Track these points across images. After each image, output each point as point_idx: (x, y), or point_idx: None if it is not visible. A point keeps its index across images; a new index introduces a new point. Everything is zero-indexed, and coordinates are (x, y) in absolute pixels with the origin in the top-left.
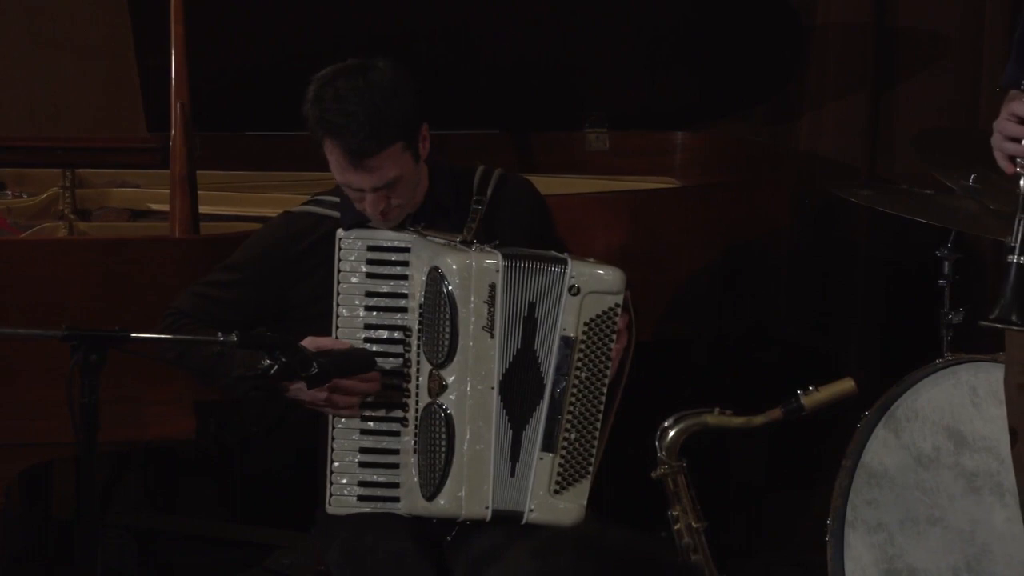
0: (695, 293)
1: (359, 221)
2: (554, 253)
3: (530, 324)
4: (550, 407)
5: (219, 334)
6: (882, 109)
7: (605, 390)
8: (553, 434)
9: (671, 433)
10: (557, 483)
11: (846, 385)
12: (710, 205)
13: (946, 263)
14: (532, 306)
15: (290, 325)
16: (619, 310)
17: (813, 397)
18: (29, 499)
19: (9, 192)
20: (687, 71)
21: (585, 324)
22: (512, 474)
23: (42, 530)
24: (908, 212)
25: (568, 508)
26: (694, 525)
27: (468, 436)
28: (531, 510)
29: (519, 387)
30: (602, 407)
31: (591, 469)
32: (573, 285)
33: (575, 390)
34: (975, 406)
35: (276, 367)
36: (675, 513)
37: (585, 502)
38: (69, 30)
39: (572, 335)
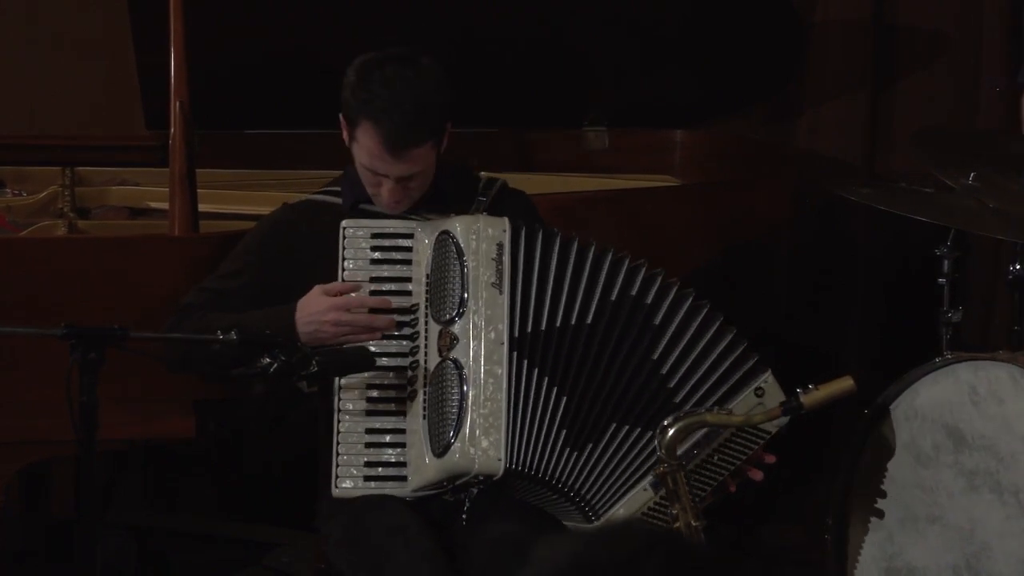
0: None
1: (360, 200)
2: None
3: (632, 321)
4: None
5: (219, 332)
6: (881, 107)
7: (714, 483)
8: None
9: (670, 431)
10: (644, 515)
11: (845, 384)
12: (709, 203)
13: (945, 261)
14: (634, 303)
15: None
16: (766, 439)
17: (812, 396)
18: (28, 497)
19: (8, 190)
20: (687, 69)
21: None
22: (578, 449)
23: (41, 528)
24: (907, 210)
25: None
26: (693, 524)
27: (480, 389)
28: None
29: (582, 363)
30: (704, 494)
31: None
32: (760, 388)
33: (705, 465)
34: (974, 405)
35: (275, 365)
36: (674, 511)
37: None
38: (68, 28)
39: (739, 415)
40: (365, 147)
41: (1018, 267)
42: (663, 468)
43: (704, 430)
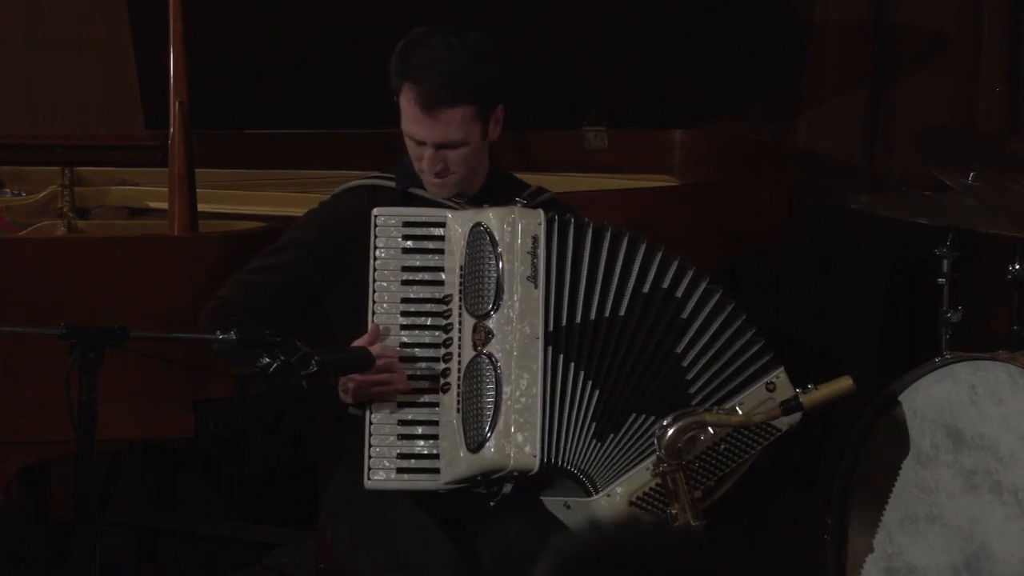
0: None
1: (413, 183)
2: (760, 356)
3: (662, 314)
4: None
5: (218, 332)
6: (881, 107)
7: (718, 475)
8: None
9: (670, 431)
10: (639, 498)
11: (845, 383)
12: (709, 203)
13: (945, 261)
14: (666, 296)
15: (338, 297)
16: (774, 436)
17: (812, 395)
18: (27, 497)
19: (8, 190)
20: (686, 69)
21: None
22: (601, 440)
23: (41, 528)
24: (907, 214)
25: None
26: (692, 524)
27: (515, 384)
28: (608, 496)
29: (615, 356)
30: (706, 483)
31: (662, 515)
32: (772, 383)
33: (710, 452)
34: (974, 404)
35: (275, 365)
36: (674, 511)
37: None
38: (68, 27)
39: (739, 414)
40: (404, 111)
41: (1018, 267)
42: (663, 468)
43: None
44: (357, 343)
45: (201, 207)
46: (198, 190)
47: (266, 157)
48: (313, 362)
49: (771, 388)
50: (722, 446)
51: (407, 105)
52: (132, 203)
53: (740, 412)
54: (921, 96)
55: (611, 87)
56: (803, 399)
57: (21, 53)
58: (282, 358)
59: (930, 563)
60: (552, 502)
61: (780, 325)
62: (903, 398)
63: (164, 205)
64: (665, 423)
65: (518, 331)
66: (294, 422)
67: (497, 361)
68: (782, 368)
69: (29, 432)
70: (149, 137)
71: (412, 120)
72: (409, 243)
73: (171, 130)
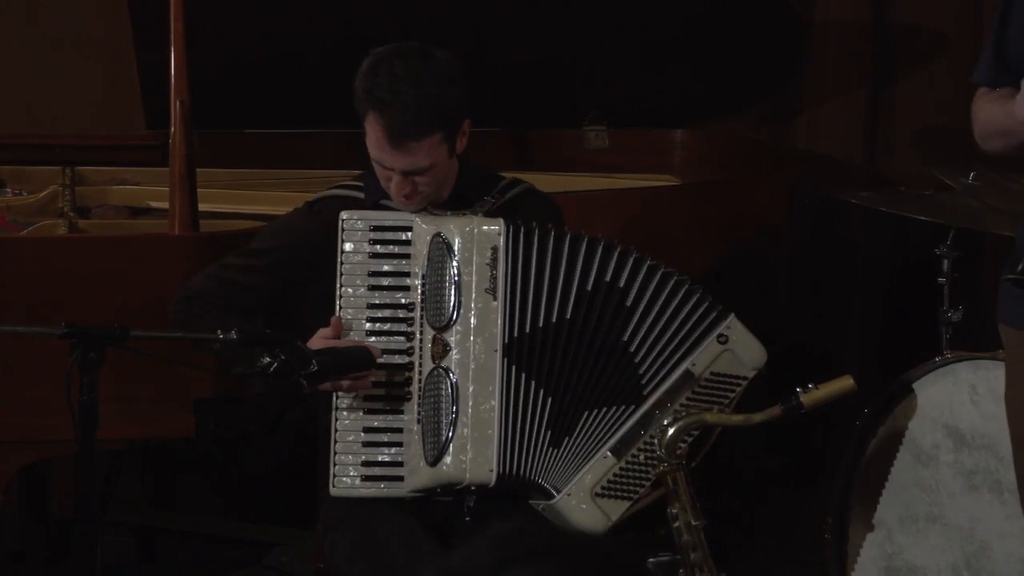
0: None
1: (382, 196)
2: (711, 308)
3: (606, 307)
4: (641, 419)
5: (219, 332)
6: (881, 107)
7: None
8: (628, 443)
9: (670, 431)
10: (604, 488)
11: (845, 383)
12: (709, 203)
13: (945, 261)
14: (608, 288)
15: (309, 308)
16: (744, 383)
17: (812, 395)
18: (28, 497)
19: (9, 190)
20: (686, 69)
21: (712, 374)
22: (557, 446)
23: (41, 528)
24: (908, 211)
25: (597, 515)
26: (693, 523)
27: (472, 398)
28: (568, 494)
29: (564, 360)
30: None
31: (635, 496)
32: (723, 335)
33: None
34: (974, 404)
35: (276, 365)
36: (674, 511)
37: (614, 520)
38: (68, 27)
39: (696, 374)
40: (371, 138)
41: (1019, 267)
42: (662, 467)
43: (676, 376)
44: (320, 333)
45: (201, 207)
46: (198, 190)
47: (266, 157)
48: (313, 362)
49: (723, 340)
50: (683, 411)
51: (373, 133)
52: (133, 202)
53: (695, 374)
54: (921, 96)
55: (611, 87)
56: (803, 399)
57: (22, 52)
58: (282, 358)
59: (930, 563)
60: (532, 503)
61: (780, 325)
62: (903, 398)
63: (165, 205)
64: (665, 423)
65: (475, 344)
66: (294, 422)
67: (453, 375)
68: (731, 317)
69: (29, 432)
70: (149, 137)
71: (378, 148)
72: (377, 247)
73: (171, 130)
